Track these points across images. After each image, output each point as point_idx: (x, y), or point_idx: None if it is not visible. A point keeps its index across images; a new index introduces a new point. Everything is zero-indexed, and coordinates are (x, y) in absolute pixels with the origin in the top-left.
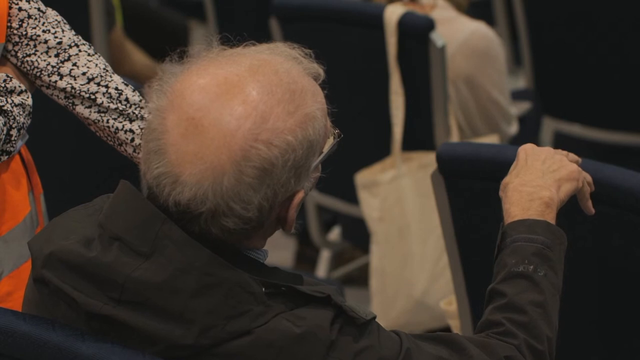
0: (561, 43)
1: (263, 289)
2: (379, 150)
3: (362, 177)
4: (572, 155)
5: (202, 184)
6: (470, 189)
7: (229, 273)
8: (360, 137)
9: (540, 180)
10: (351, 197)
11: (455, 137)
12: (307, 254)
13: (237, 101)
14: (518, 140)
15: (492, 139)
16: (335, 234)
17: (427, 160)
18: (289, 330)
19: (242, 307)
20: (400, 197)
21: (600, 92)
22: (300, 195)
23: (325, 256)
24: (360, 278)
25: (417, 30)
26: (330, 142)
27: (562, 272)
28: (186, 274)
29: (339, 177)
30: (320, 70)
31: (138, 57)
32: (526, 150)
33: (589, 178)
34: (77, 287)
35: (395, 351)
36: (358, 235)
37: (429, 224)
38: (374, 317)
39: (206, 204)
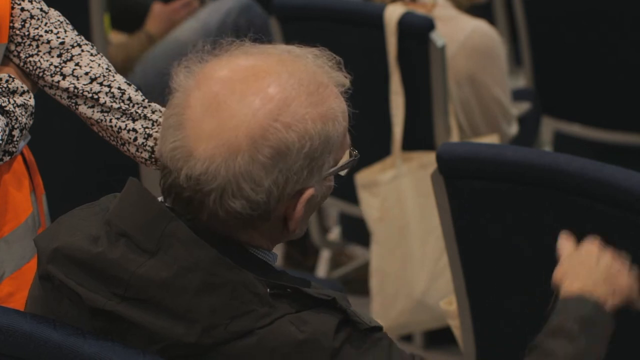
0: (561, 43)
1: (268, 290)
2: (379, 150)
3: (362, 177)
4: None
5: (215, 159)
6: (470, 189)
7: (234, 273)
8: (360, 137)
9: (593, 287)
10: (351, 197)
11: (455, 137)
12: (294, 257)
13: (264, 84)
14: (518, 140)
15: (492, 139)
16: (335, 234)
17: (427, 160)
18: (292, 336)
19: (246, 307)
20: (400, 197)
21: (600, 92)
22: (309, 192)
23: (325, 256)
24: (360, 278)
25: (417, 30)
26: (346, 156)
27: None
28: (191, 272)
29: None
30: (346, 80)
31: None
32: (582, 259)
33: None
34: (81, 282)
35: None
36: (358, 235)
37: (429, 224)
38: (380, 328)
39: (217, 179)
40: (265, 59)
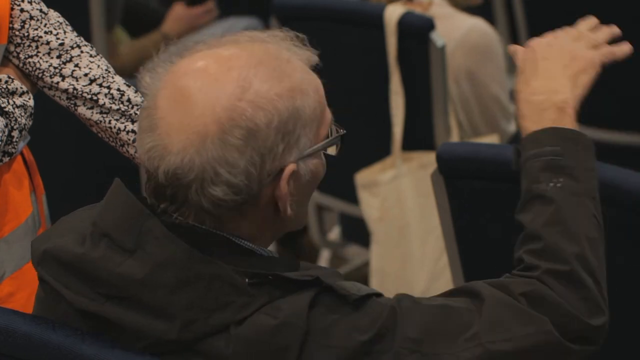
0: None
1: (247, 280)
2: (379, 150)
3: (362, 177)
4: (596, 35)
5: (188, 150)
6: (470, 189)
7: (209, 266)
8: (360, 137)
9: (552, 83)
10: (351, 197)
11: (455, 137)
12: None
13: (224, 69)
14: (518, 140)
15: (492, 139)
16: (335, 233)
17: (427, 160)
18: (265, 324)
19: (224, 299)
20: (400, 197)
21: (600, 91)
22: (291, 168)
23: (325, 256)
24: (360, 278)
25: (417, 30)
26: (333, 133)
27: (590, 172)
28: (165, 269)
29: (339, 177)
30: (313, 55)
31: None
32: (535, 48)
33: (616, 50)
34: (66, 284)
35: (376, 314)
36: (358, 235)
37: (429, 224)
38: (375, 294)
39: (193, 169)
40: (227, 48)
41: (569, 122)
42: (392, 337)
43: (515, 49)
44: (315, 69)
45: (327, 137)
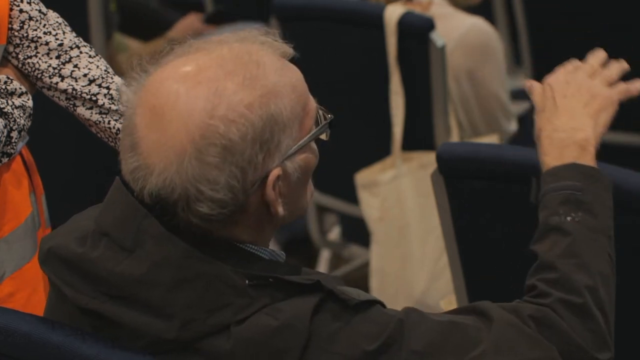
0: (561, 43)
1: (247, 282)
2: (379, 150)
3: (362, 177)
4: (609, 70)
5: (169, 170)
6: (470, 189)
7: (206, 266)
8: (360, 137)
9: (574, 122)
10: (351, 197)
11: (455, 137)
12: None
13: (193, 82)
14: (518, 140)
15: (492, 139)
16: (335, 233)
17: (427, 160)
18: (266, 325)
19: (223, 300)
20: (400, 197)
21: None
22: (275, 173)
23: (325, 256)
24: (360, 278)
25: (417, 30)
26: (320, 121)
27: (608, 210)
28: (162, 268)
29: (339, 177)
30: (288, 48)
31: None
32: (553, 86)
33: (631, 87)
34: (68, 282)
35: (383, 325)
36: (358, 235)
37: (429, 224)
38: (375, 301)
39: (176, 190)
40: (197, 57)
41: (590, 159)
42: (398, 349)
43: (532, 85)
44: (293, 60)
45: (314, 126)
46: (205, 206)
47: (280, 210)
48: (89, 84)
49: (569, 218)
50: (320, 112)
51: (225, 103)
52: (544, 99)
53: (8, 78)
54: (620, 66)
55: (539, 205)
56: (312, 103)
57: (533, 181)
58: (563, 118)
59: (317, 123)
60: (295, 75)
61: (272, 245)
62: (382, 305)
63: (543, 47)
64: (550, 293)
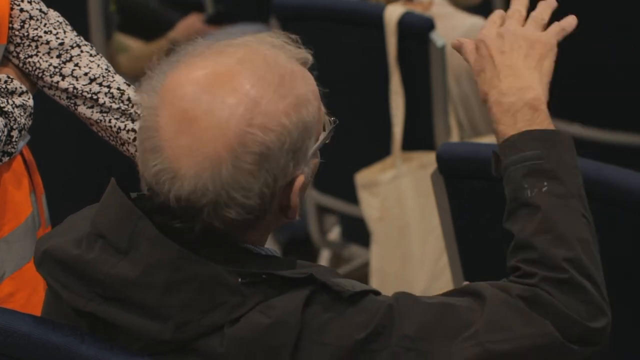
0: (561, 43)
1: (239, 280)
2: (379, 150)
3: (362, 177)
4: (539, 12)
5: (201, 176)
6: (470, 189)
7: (199, 267)
8: (360, 137)
9: (519, 81)
10: (351, 197)
11: (455, 137)
12: None
13: (228, 89)
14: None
15: (492, 139)
16: (335, 233)
17: (427, 160)
18: (259, 322)
19: (217, 300)
20: (400, 197)
21: (600, 92)
22: (300, 180)
23: (325, 256)
24: (360, 278)
25: (417, 30)
26: (327, 126)
27: (572, 169)
28: (156, 270)
29: (339, 177)
30: (308, 55)
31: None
32: (486, 42)
33: (565, 24)
34: (64, 284)
35: (372, 312)
36: (358, 235)
37: (429, 224)
38: (371, 291)
39: (207, 195)
40: (224, 61)
41: (544, 119)
42: (389, 335)
43: (462, 43)
44: (311, 69)
45: (322, 130)
46: (233, 212)
47: (298, 215)
48: (90, 83)
49: (535, 190)
50: (325, 116)
51: (263, 111)
52: (480, 58)
53: (8, 77)
54: (547, 4)
55: (502, 179)
56: (322, 107)
57: (492, 155)
58: (508, 79)
59: (324, 127)
60: (312, 80)
61: (273, 246)
62: (377, 294)
63: None
64: (534, 272)
